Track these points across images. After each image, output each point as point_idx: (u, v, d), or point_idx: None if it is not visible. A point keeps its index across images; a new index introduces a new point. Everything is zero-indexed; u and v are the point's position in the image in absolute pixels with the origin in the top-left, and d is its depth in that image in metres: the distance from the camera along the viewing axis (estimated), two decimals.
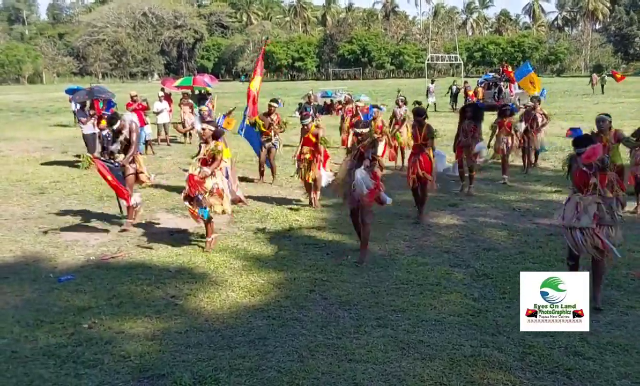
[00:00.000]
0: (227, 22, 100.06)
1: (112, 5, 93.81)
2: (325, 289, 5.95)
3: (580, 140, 5.44)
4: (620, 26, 78.77)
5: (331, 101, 29.27)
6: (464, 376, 4.24)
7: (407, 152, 9.10)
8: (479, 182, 10.77)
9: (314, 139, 9.18)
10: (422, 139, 8.49)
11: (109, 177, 7.87)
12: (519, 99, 24.42)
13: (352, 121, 12.19)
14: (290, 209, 9.36)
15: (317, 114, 17.46)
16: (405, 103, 12.89)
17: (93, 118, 12.69)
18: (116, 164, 8.06)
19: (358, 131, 6.84)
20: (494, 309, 5.39)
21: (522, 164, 12.39)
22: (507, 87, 27.30)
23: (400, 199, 9.07)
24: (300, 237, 7.88)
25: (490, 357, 4.48)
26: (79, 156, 13.75)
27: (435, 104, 28.74)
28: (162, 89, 19.18)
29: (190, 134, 17.42)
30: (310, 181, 9.34)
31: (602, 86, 39.14)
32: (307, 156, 9.21)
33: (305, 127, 9.22)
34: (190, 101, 18.52)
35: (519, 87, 20.47)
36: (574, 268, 5.39)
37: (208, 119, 10.58)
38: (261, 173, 11.68)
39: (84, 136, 13.51)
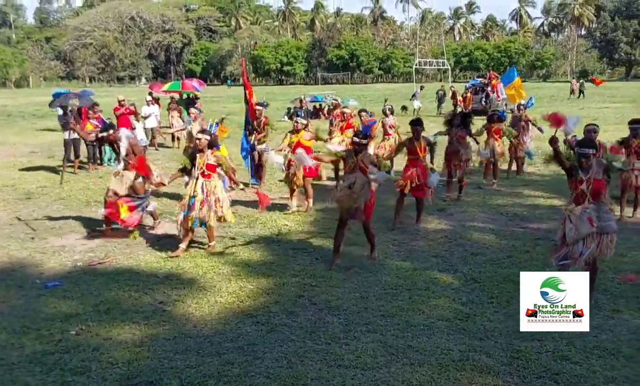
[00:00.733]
0: (216, 26, 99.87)
1: (100, 9, 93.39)
2: (314, 294, 5.95)
3: (585, 141, 5.61)
4: (605, 32, 79.57)
5: (320, 105, 29.34)
6: (452, 381, 4.25)
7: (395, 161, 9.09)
8: (467, 187, 10.81)
9: (308, 144, 9.28)
10: (423, 151, 8.40)
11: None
12: (505, 104, 24.63)
13: (342, 126, 12.26)
14: (279, 213, 9.36)
15: (308, 118, 17.46)
16: (392, 112, 12.86)
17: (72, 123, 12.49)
18: (142, 196, 8.00)
19: (357, 140, 6.81)
20: (482, 314, 5.42)
21: (507, 169, 12.50)
22: (494, 92, 27.52)
23: (388, 204, 9.10)
24: (289, 242, 7.88)
25: (478, 362, 4.51)
26: (71, 162, 13.59)
27: (419, 108, 28.87)
28: (150, 93, 19.11)
29: (178, 139, 17.34)
30: (295, 187, 9.42)
31: (582, 92, 39.89)
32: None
33: (297, 125, 9.33)
34: (178, 105, 18.49)
35: (505, 93, 20.65)
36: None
37: (200, 121, 10.61)
38: (259, 177, 11.61)
39: (64, 141, 13.36)
